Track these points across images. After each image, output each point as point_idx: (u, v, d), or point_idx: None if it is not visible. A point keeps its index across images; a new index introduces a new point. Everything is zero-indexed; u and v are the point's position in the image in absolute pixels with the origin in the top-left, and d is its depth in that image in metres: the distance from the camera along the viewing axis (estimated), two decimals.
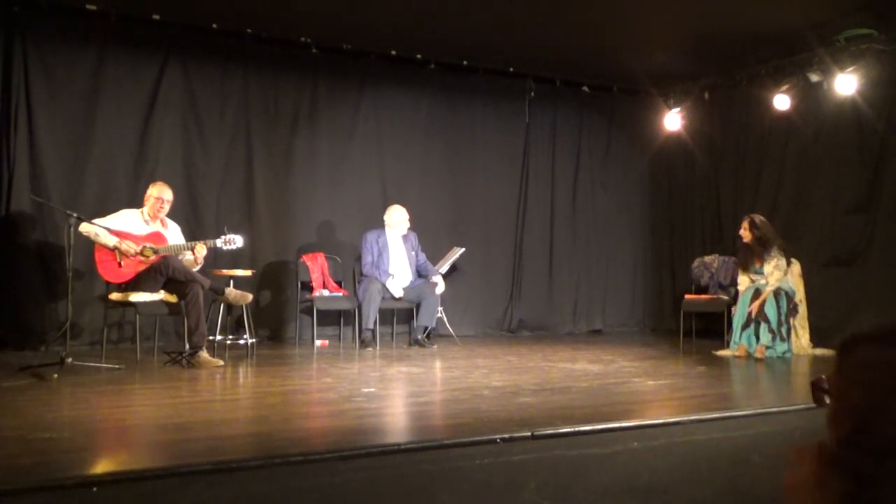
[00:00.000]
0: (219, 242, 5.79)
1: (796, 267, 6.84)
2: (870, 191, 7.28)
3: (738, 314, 6.55)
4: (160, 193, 5.80)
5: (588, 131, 9.11)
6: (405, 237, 7.33)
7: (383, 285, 7.01)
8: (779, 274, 6.50)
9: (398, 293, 7.07)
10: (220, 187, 7.24)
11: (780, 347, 6.31)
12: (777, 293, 6.41)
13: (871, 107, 7.19)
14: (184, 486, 2.37)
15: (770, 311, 6.36)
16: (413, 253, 7.33)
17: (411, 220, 7.38)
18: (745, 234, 6.66)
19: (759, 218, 6.72)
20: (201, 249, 5.69)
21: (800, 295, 6.76)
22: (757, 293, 6.50)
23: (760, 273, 6.62)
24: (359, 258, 7.31)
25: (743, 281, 6.76)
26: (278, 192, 7.51)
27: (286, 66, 7.51)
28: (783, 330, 6.33)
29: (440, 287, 7.18)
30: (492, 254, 8.53)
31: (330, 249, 7.45)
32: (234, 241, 5.81)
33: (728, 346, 6.63)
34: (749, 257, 6.70)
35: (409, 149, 8.13)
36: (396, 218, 7.24)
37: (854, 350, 0.87)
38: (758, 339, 6.37)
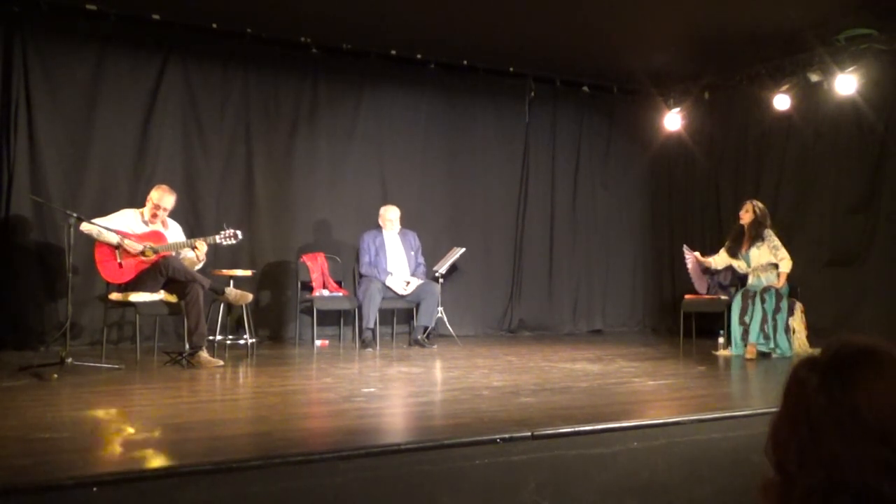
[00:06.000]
0: (218, 238, 5.79)
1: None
2: (870, 191, 7.28)
3: (734, 319, 6.50)
4: (159, 200, 5.73)
5: (588, 131, 9.11)
6: (404, 236, 7.33)
7: (383, 284, 7.02)
8: (783, 253, 6.48)
9: (400, 289, 7.08)
10: (220, 187, 7.24)
11: (770, 345, 6.25)
12: (765, 291, 6.36)
13: (871, 107, 7.19)
14: (184, 486, 2.37)
15: (756, 311, 6.33)
16: (412, 252, 7.33)
17: (411, 220, 7.37)
18: (747, 216, 6.66)
19: (760, 204, 6.73)
20: (202, 246, 5.68)
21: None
22: (746, 294, 6.48)
23: (746, 259, 6.63)
24: (358, 258, 7.32)
25: (717, 261, 6.85)
26: (278, 192, 7.51)
27: (286, 66, 7.51)
28: (767, 327, 6.27)
29: (413, 283, 7.10)
30: (492, 254, 8.53)
31: (330, 249, 7.45)
32: (234, 236, 5.81)
33: (726, 346, 6.62)
34: (739, 241, 6.72)
35: (409, 149, 8.13)
36: (387, 217, 7.27)
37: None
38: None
